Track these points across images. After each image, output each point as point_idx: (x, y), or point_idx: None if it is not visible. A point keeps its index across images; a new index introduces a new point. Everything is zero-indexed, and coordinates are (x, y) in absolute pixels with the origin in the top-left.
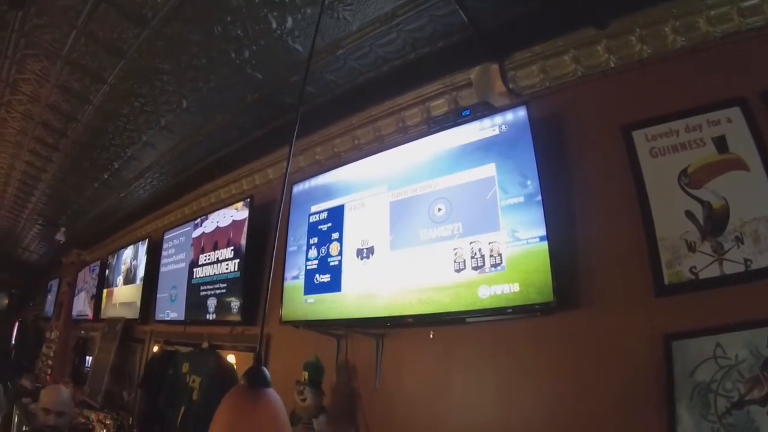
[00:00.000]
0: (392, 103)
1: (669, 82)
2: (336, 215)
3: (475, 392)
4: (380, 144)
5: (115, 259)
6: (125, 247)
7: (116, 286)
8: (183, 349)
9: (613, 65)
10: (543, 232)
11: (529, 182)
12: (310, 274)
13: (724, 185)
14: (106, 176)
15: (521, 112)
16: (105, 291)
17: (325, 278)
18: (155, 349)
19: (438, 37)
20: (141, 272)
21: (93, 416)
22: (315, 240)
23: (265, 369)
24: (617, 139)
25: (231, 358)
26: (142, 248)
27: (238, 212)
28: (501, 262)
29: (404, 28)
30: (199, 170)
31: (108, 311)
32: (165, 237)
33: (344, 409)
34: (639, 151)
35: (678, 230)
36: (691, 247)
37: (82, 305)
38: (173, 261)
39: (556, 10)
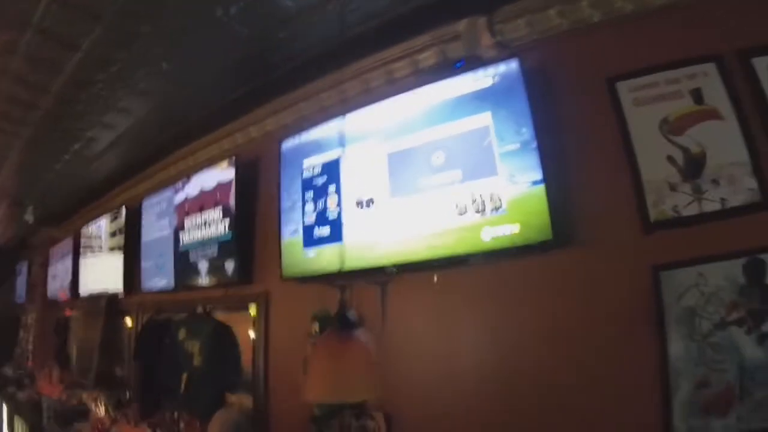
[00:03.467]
0: (381, 56)
1: (649, 37)
2: (331, 168)
3: (479, 331)
4: (368, 97)
5: (90, 232)
6: (100, 218)
7: (94, 260)
8: (176, 317)
9: (596, 20)
10: (540, 176)
11: (524, 130)
12: (308, 229)
13: (701, 133)
14: (77, 147)
15: (513, 64)
16: (82, 267)
17: (325, 231)
18: (145, 320)
19: None
20: (121, 243)
21: (85, 396)
22: (311, 194)
23: (351, 312)
24: (603, 90)
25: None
26: (120, 218)
27: (223, 172)
28: (501, 206)
29: None
30: (176, 133)
31: (88, 287)
32: (144, 204)
33: None
34: (623, 101)
35: (661, 173)
36: (674, 188)
37: (58, 284)
38: (156, 228)
39: None
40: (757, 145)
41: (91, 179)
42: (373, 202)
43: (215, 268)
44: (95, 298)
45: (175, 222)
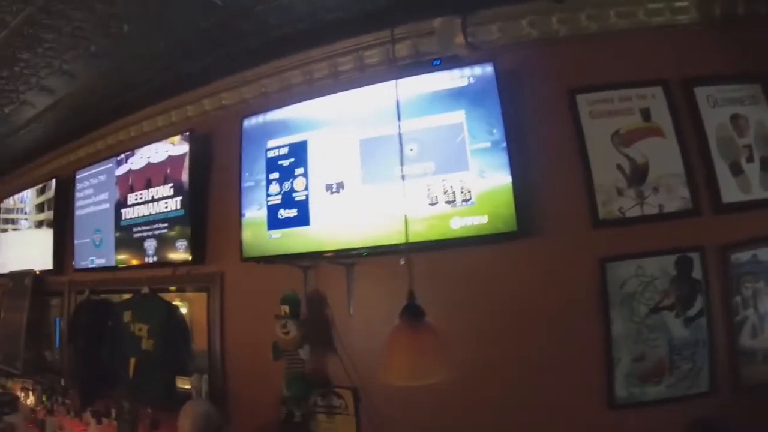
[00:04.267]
0: (353, 42)
1: (609, 56)
2: (299, 150)
3: (444, 312)
4: (335, 81)
5: (10, 205)
6: (22, 189)
7: (15, 235)
8: (117, 298)
9: (562, 35)
10: (508, 173)
11: (495, 130)
12: (273, 210)
13: (646, 147)
14: (7, 110)
15: (489, 68)
16: (1, 242)
17: (292, 213)
18: (79, 300)
19: None
20: (50, 217)
21: (10, 384)
22: (276, 175)
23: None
24: (565, 100)
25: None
26: (50, 190)
27: (175, 147)
28: (471, 198)
29: None
30: (119, 101)
31: (7, 265)
32: (78, 176)
33: (321, 337)
34: (581, 112)
35: (610, 178)
36: (620, 193)
37: None
38: (92, 203)
39: None
40: (692, 161)
41: (15, 147)
42: (343, 187)
43: (165, 246)
44: (18, 277)
45: (116, 196)
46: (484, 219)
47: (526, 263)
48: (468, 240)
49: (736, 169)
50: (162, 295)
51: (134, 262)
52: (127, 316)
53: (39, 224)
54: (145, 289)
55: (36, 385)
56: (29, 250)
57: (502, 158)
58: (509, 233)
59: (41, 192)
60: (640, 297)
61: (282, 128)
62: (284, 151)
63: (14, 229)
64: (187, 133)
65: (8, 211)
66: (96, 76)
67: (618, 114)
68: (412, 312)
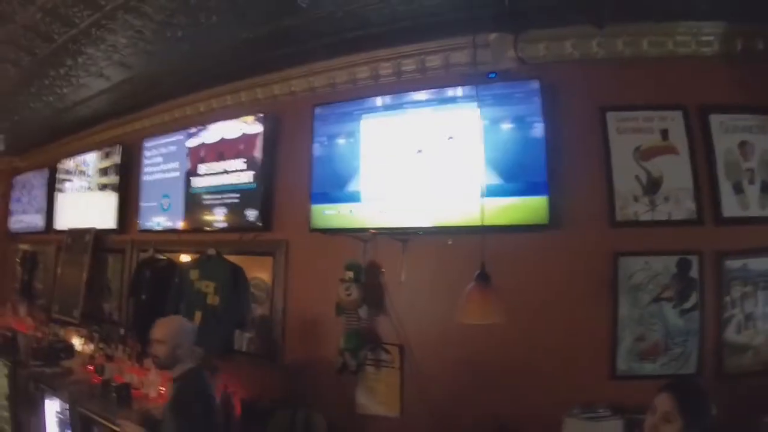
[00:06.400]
0: (416, 47)
1: (638, 80)
2: (360, 137)
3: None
4: (398, 79)
5: (71, 166)
6: (84, 152)
7: (76, 195)
8: (184, 258)
9: (599, 58)
10: (545, 174)
11: (537, 139)
12: (336, 188)
13: (662, 162)
14: (66, 91)
15: (535, 84)
16: (59, 201)
17: (354, 190)
18: (142, 259)
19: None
20: (114, 180)
21: (64, 333)
22: (340, 158)
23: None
24: (596, 116)
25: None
26: (115, 155)
27: (249, 125)
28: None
29: None
30: (185, 79)
31: (64, 222)
32: (146, 144)
33: (376, 300)
34: (609, 127)
35: (629, 187)
36: (636, 199)
37: (27, 217)
38: (161, 170)
39: (570, 6)
40: (700, 178)
41: (74, 115)
42: (400, 176)
43: (235, 214)
44: (78, 234)
45: (187, 165)
46: (523, 213)
47: (555, 251)
48: (509, 228)
49: (738, 189)
50: (228, 257)
51: (202, 226)
52: (194, 274)
53: (102, 187)
54: (212, 251)
55: (93, 333)
56: (89, 210)
57: (542, 161)
58: (542, 225)
59: (105, 156)
60: (644, 288)
61: (348, 116)
62: (347, 138)
63: (74, 190)
64: (262, 115)
65: (67, 172)
66: (176, 56)
67: (641, 132)
68: (483, 277)
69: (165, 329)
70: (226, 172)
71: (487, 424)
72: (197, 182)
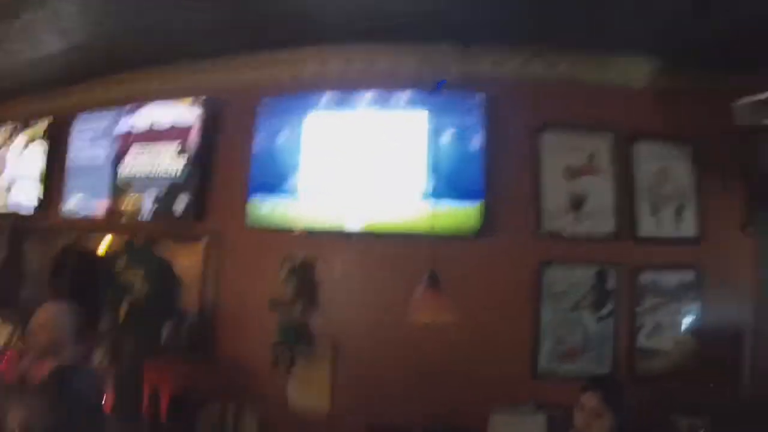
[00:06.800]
0: (366, 48)
1: (573, 104)
2: (305, 134)
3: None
4: (346, 78)
5: None
6: (9, 123)
7: None
8: (106, 245)
9: (540, 79)
10: (481, 185)
11: (476, 152)
12: (277, 185)
13: (587, 182)
14: None
15: (479, 96)
16: None
17: (292, 186)
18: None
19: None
20: (37, 158)
21: None
22: (286, 154)
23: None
24: (532, 133)
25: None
26: (39, 129)
27: (187, 111)
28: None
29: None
30: (123, 54)
31: None
32: (76, 122)
33: (311, 296)
34: (542, 147)
35: (555, 202)
36: (561, 214)
37: None
38: (88, 155)
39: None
40: (621, 200)
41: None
42: (340, 175)
43: (167, 201)
44: None
45: (116, 148)
46: (454, 219)
47: (485, 258)
48: (441, 236)
49: (655, 210)
50: (157, 246)
51: (132, 212)
52: (121, 262)
53: (25, 166)
54: (141, 239)
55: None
56: (12, 190)
57: (479, 172)
58: (473, 231)
59: (26, 129)
60: (565, 295)
61: (295, 111)
62: (294, 133)
63: None
64: (201, 99)
65: None
66: (120, 30)
67: (571, 152)
68: (434, 278)
69: (44, 316)
70: (160, 157)
71: (417, 421)
72: (128, 169)
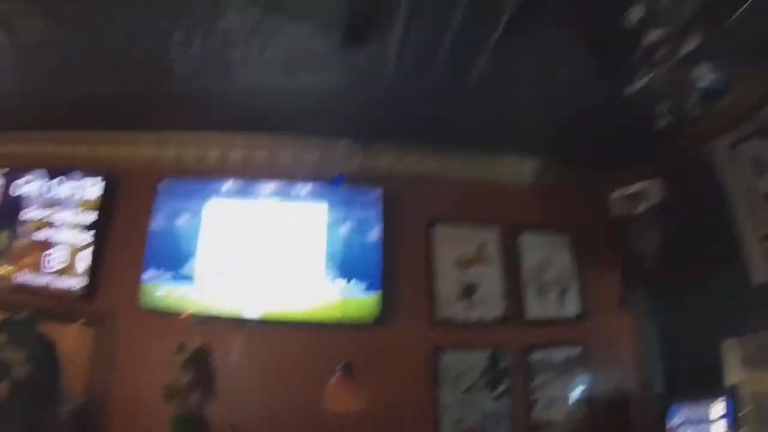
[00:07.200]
0: (271, 139)
1: (464, 199)
2: (204, 219)
3: (310, 377)
4: (248, 165)
5: None
6: None
7: None
8: None
9: (434, 176)
10: (378, 276)
11: (374, 244)
12: (173, 268)
13: (478, 271)
14: None
15: (377, 192)
16: None
17: (191, 274)
18: None
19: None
20: None
21: None
22: (182, 237)
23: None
24: (426, 226)
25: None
26: None
27: (84, 180)
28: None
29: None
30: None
31: None
32: None
33: (209, 386)
34: (435, 238)
35: (448, 290)
36: (454, 302)
37: None
38: None
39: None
40: (509, 286)
41: None
42: (239, 262)
43: (56, 275)
44: None
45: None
46: (352, 311)
47: (384, 345)
48: (340, 324)
49: (540, 294)
50: (42, 324)
51: (16, 284)
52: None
53: None
54: (23, 314)
55: None
56: None
57: (377, 263)
58: (369, 322)
59: None
60: (462, 378)
61: (194, 195)
62: (190, 217)
63: None
64: (104, 175)
65: None
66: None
67: (461, 243)
68: (347, 368)
69: None
70: (50, 227)
71: None
72: (16, 231)
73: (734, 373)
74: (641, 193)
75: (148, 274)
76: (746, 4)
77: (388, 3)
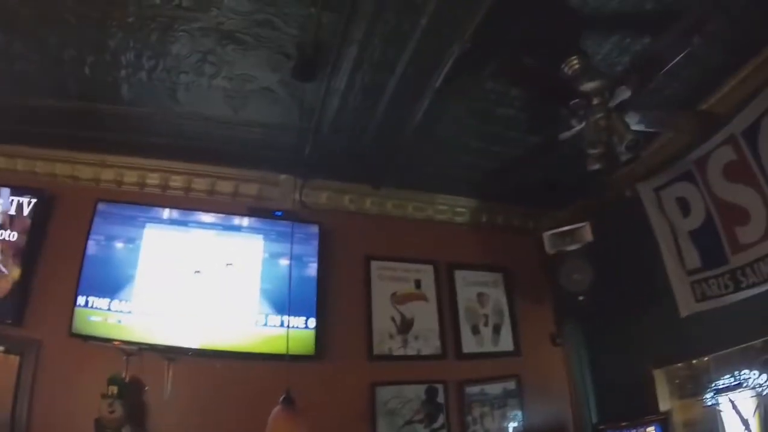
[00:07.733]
0: (211, 169)
1: (400, 236)
2: (142, 245)
3: (248, 409)
4: (187, 195)
5: None
6: None
7: None
8: None
9: (371, 213)
10: (315, 315)
11: (311, 281)
12: (108, 294)
13: (414, 307)
14: None
15: (315, 228)
16: None
17: (127, 301)
18: None
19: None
20: None
21: None
22: (118, 263)
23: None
24: (362, 262)
25: None
26: None
27: (13, 197)
28: (288, 327)
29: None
30: None
31: None
32: None
33: (140, 419)
34: (372, 273)
35: (385, 326)
36: (391, 337)
37: None
38: None
39: (353, 166)
40: (445, 321)
41: None
42: (176, 291)
43: None
44: None
45: None
46: (292, 343)
47: (320, 380)
48: (278, 357)
49: (476, 330)
50: None
51: None
52: None
53: None
54: None
55: None
56: None
57: (313, 297)
58: (309, 356)
59: None
60: (399, 412)
61: (132, 220)
62: (127, 243)
63: None
64: (37, 193)
65: None
66: None
67: (398, 280)
68: (288, 401)
69: None
70: None
71: None
72: None
73: (664, 401)
74: (573, 232)
75: (81, 300)
76: (672, 63)
77: (338, 44)
